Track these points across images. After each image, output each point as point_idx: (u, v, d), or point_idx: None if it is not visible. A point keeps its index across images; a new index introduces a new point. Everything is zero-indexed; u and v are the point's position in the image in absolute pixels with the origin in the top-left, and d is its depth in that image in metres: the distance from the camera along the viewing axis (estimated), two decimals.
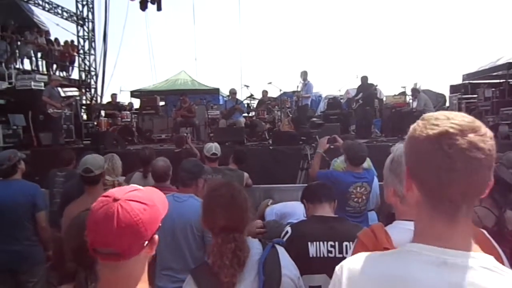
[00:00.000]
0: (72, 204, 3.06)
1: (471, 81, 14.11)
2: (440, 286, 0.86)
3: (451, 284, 0.86)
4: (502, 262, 1.12)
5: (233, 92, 11.27)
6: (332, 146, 4.40)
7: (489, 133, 0.90)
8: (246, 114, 11.84)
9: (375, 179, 3.80)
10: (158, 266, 2.76)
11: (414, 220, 1.00)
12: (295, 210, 3.43)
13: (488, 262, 0.89)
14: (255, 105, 12.53)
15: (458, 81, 14.80)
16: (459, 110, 12.93)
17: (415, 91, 11.14)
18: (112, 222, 1.04)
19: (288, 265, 1.78)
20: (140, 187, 1.18)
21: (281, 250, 1.82)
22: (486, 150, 0.87)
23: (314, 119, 10.67)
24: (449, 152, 0.86)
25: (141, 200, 1.10)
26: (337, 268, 1.01)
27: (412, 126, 0.97)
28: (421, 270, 0.88)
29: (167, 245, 2.71)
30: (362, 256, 0.99)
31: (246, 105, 11.92)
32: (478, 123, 0.91)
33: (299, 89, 10.81)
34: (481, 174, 0.88)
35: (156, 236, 1.14)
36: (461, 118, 0.91)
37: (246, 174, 4.88)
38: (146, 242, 1.10)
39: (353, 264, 0.98)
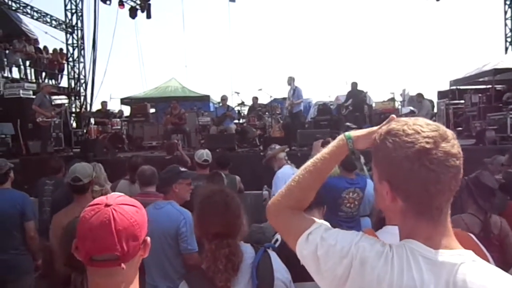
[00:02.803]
0: (60, 212, 3.03)
1: (458, 87, 14.30)
2: (433, 283, 0.92)
3: (443, 280, 0.92)
4: None
5: (224, 99, 11.28)
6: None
7: (452, 134, 0.98)
8: (237, 121, 11.86)
9: (369, 184, 3.83)
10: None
11: (398, 224, 1.04)
12: None
13: (470, 257, 0.96)
14: (245, 112, 12.56)
15: (446, 87, 15.00)
16: (447, 115, 13.12)
17: (420, 97, 11.28)
18: (109, 226, 1.05)
19: (280, 269, 1.80)
20: (123, 194, 1.19)
21: (273, 255, 1.84)
22: (458, 154, 0.95)
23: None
24: (432, 167, 0.93)
25: (131, 203, 1.13)
26: (353, 246, 1.00)
27: (380, 142, 1.01)
28: (419, 269, 0.93)
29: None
30: (373, 244, 1.00)
31: (237, 111, 11.94)
32: (442, 128, 0.98)
33: (289, 96, 10.85)
34: (459, 176, 0.96)
35: (148, 238, 1.15)
36: (428, 129, 0.96)
37: (238, 178, 4.90)
38: (141, 244, 1.12)
39: (366, 252, 0.98)
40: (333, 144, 1.17)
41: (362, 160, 2.22)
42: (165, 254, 2.74)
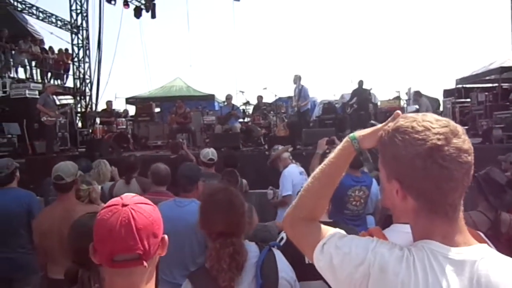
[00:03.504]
0: (42, 211, 3.05)
1: (464, 86, 14.23)
2: (458, 283, 0.91)
3: (467, 279, 0.91)
4: None
5: (228, 98, 11.30)
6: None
7: (462, 130, 0.95)
8: (241, 120, 11.87)
9: (374, 183, 3.81)
10: (166, 271, 2.75)
11: (411, 223, 1.02)
12: None
13: (488, 251, 0.96)
14: (250, 111, 12.57)
15: (452, 85, 14.93)
16: (453, 114, 13.06)
17: (417, 95, 11.21)
18: (130, 225, 1.04)
19: (285, 268, 1.79)
20: (136, 194, 1.19)
21: (278, 253, 1.82)
22: (469, 150, 0.94)
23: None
24: (444, 164, 0.91)
25: (146, 202, 1.13)
26: (370, 252, 0.97)
27: (388, 139, 0.98)
28: (442, 271, 0.92)
29: (169, 250, 2.68)
30: (391, 249, 0.97)
31: (241, 110, 11.95)
32: (452, 124, 0.95)
33: (295, 94, 10.84)
34: (471, 172, 0.95)
35: (166, 236, 1.15)
36: (438, 125, 0.94)
37: (245, 181, 4.87)
38: (160, 242, 1.12)
39: (385, 257, 0.96)
40: (338, 147, 1.15)
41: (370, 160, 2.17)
42: (191, 251, 2.74)
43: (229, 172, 4.31)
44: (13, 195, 3.57)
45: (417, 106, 11.48)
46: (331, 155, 1.15)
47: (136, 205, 1.08)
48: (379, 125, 1.07)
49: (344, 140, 1.14)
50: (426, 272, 0.91)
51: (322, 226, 1.14)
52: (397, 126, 0.97)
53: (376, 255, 0.96)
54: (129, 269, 1.06)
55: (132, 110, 15.20)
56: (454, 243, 0.94)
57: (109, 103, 13.00)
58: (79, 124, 13.81)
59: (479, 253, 0.93)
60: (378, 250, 0.97)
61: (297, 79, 10.72)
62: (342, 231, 1.11)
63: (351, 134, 1.13)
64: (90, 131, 12.58)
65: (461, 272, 0.91)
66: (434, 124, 0.94)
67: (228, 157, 5.14)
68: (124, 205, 1.07)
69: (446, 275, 0.91)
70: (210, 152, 4.82)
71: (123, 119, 12.56)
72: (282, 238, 2.39)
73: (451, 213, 0.95)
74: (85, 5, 17.15)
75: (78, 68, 17.30)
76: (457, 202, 0.95)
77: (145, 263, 1.06)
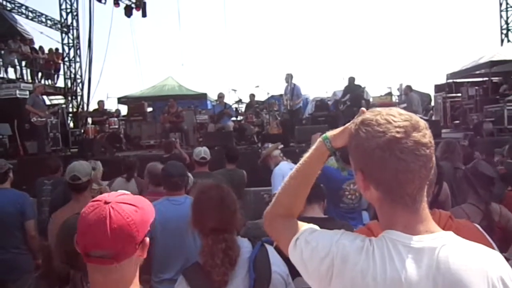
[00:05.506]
0: (59, 211, 3.03)
1: (455, 80, 14.32)
2: (415, 269, 0.93)
3: (425, 265, 0.93)
4: None
5: (221, 96, 11.28)
6: None
7: (424, 124, 1.00)
8: (234, 118, 11.86)
9: None
10: (168, 270, 2.75)
11: (377, 213, 1.06)
12: None
13: (451, 238, 0.98)
14: (243, 109, 12.56)
15: (442, 80, 15.02)
16: (444, 109, 13.16)
17: (407, 89, 11.27)
18: (105, 224, 1.05)
19: (277, 263, 1.81)
20: (127, 192, 1.20)
21: (270, 248, 1.85)
22: (428, 143, 0.98)
23: None
24: (402, 156, 0.95)
25: (131, 202, 1.12)
26: (333, 245, 1.02)
27: (354, 132, 1.03)
28: (400, 259, 0.95)
29: (175, 248, 2.71)
30: (352, 241, 1.02)
31: (234, 109, 11.94)
32: (414, 118, 1.00)
33: (286, 92, 10.86)
34: (429, 166, 0.98)
35: (147, 239, 1.15)
36: (400, 119, 0.98)
37: (245, 173, 5.04)
38: (138, 245, 1.11)
39: (347, 248, 1.00)
40: (313, 147, 1.19)
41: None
42: (188, 249, 2.73)
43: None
44: (6, 195, 3.56)
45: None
46: (306, 155, 1.20)
47: (117, 204, 1.09)
48: (348, 124, 1.09)
49: (318, 140, 1.18)
50: (384, 261, 0.95)
51: (299, 222, 1.18)
52: (363, 119, 1.02)
53: (338, 246, 1.01)
54: (106, 267, 1.08)
55: (124, 109, 15.09)
56: (415, 231, 0.97)
57: (100, 103, 12.89)
58: (71, 124, 13.74)
59: (440, 241, 0.96)
60: (340, 242, 1.02)
61: (289, 77, 10.74)
62: (315, 226, 1.15)
63: (324, 134, 1.17)
64: (82, 131, 12.49)
65: (420, 259, 0.94)
66: (396, 117, 0.98)
67: (229, 151, 5.23)
68: (106, 202, 1.09)
69: (405, 262, 0.94)
70: (202, 151, 4.80)
71: (115, 118, 12.47)
72: None
73: (411, 203, 0.98)
74: (75, 4, 17.05)
75: (69, 68, 17.18)
76: (415, 193, 0.98)
77: (115, 263, 1.07)
